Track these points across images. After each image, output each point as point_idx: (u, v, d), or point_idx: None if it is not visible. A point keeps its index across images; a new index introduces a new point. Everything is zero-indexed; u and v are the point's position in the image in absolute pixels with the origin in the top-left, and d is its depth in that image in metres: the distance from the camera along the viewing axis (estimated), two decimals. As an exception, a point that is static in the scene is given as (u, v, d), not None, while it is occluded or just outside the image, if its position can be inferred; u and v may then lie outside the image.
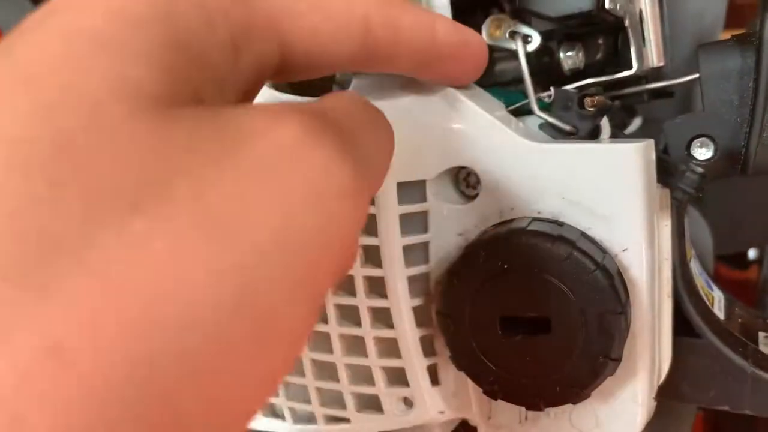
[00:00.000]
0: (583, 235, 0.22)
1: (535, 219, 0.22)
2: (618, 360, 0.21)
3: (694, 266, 0.31)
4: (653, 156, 0.23)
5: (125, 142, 0.11)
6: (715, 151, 0.26)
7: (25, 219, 0.10)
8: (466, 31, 0.19)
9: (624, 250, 0.22)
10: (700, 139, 0.27)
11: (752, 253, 0.83)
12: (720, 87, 0.26)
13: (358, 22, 0.16)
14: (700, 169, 0.25)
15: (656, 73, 0.32)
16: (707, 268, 0.47)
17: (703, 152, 0.27)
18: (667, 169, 0.25)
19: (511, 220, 0.23)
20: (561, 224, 0.22)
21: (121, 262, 0.10)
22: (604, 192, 0.22)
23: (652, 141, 0.23)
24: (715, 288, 0.33)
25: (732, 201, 0.50)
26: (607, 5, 0.24)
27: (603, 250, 0.22)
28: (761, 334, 0.30)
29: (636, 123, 0.34)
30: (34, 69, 0.11)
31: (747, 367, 0.27)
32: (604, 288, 0.20)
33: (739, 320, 0.31)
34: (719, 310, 0.30)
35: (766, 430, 0.55)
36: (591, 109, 0.24)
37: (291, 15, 0.15)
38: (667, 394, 0.28)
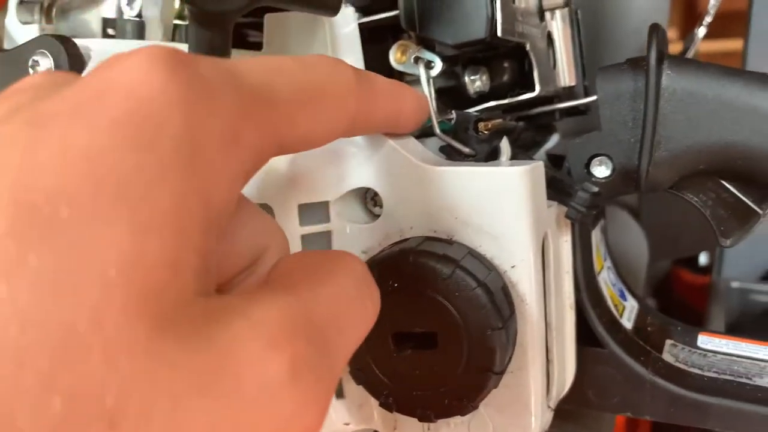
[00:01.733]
0: (471, 253, 0.23)
1: (427, 238, 0.23)
2: (501, 373, 0.22)
3: (606, 277, 0.32)
4: (542, 177, 0.24)
5: (118, 348, 0.11)
6: (613, 169, 0.28)
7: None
8: (424, 102, 0.23)
9: (512, 267, 0.23)
10: (598, 158, 0.28)
11: (703, 259, 0.85)
12: (615, 108, 0.27)
13: (345, 122, 0.18)
14: (594, 188, 0.26)
15: (569, 93, 0.33)
16: (638, 276, 0.49)
17: (601, 170, 0.28)
18: (562, 188, 0.26)
19: (407, 239, 0.24)
20: (451, 243, 0.23)
21: None
22: (492, 212, 0.23)
23: (540, 163, 0.24)
24: (629, 298, 0.34)
25: (666, 210, 0.52)
26: (499, 33, 0.25)
27: (489, 268, 0.23)
28: (668, 342, 0.32)
29: (553, 140, 0.35)
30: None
31: (646, 374, 0.29)
32: (485, 305, 0.21)
33: (649, 329, 0.32)
34: (627, 320, 0.32)
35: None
36: (485, 132, 0.25)
37: (292, 126, 0.16)
38: (573, 402, 0.29)
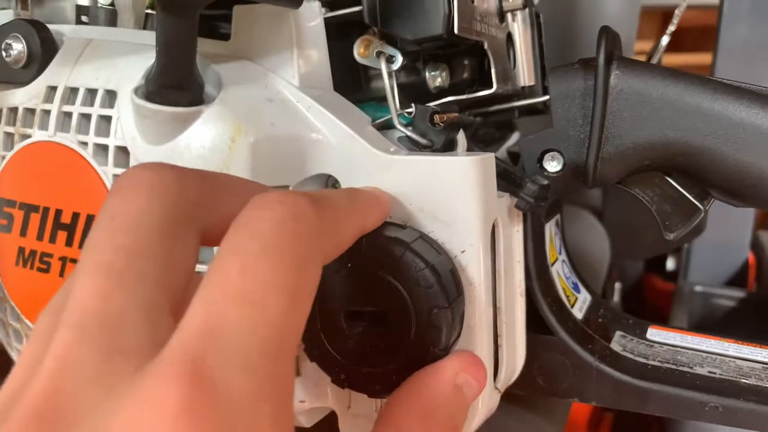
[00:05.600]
0: (422, 237, 0.24)
1: (381, 223, 0.24)
2: (445, 351, 0.23)
3: (560, 269, 0.34)
4: (492, 168, 0.25)
5: None
6: (564, 164, 0.29)
7: None
8: (385, 202, 0.24)
9: (462, 252, 0.24)
10: (550, 153, 0.29)
11: (671, 264, 0.87)
12: (566, 106, 0.28)
13: (320, 264, 0.19)
14: (543, 181, 0.28)
15: (529, 92, 0.35)
16: (599, 274, 0.50)
17: (553, 165, 0.29)
18: (513, 180, 0.27)
19: (362, 224, 0.25)
20: (403, 227, 0.24)
21: None
22: (443, 199, 0.24)
23: (491, 155, 0.25)
24: (582, 290, 0.35)
25: (629, 211, 0.53)
26: (456, 31, 0.26)
27: (439, 252, 0.24)
28: (618, 333, 0.33)
29: (513, 138, 0.36)
30: None
31: (593, 361, 0.30)
32: (432, 284, 0.22)
33: (600, 320, 0.34)
34: (579, 311, 0.33)
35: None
36: (441, 124, 0.26)
37: None
38: (523, 387, 0.31)
